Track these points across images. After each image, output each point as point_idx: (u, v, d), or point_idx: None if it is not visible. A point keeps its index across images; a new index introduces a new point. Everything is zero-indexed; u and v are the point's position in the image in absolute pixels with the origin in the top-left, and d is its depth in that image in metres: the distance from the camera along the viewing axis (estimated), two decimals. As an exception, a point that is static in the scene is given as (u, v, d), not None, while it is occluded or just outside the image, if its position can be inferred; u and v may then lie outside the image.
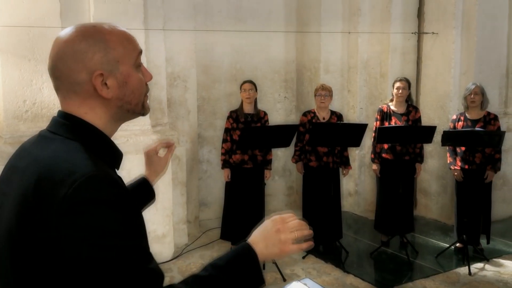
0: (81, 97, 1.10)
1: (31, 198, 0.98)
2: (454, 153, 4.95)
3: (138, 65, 1.16)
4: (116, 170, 1.16)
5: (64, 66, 1.09)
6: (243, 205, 4.81)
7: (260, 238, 1.13)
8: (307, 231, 1.16)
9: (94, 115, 1.11)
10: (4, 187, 1.11)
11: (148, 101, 1.23)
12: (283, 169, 6.75)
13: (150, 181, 1.62)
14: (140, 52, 1.17)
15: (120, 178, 1.10)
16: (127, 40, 1.13)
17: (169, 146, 1.68)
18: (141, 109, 1.18)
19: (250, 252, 1.11)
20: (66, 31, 1.12)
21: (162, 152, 1.68)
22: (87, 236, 0.92)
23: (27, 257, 0.99)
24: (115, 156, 1.16)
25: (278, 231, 1.13)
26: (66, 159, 1.00)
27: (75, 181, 0.94)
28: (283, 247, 1.12)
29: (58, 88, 1.13)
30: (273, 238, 1.12)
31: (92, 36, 1.09)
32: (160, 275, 1.01)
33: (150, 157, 1.65)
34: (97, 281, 0.93)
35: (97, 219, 0.93)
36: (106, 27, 1.12)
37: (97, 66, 1.08)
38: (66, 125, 1.09)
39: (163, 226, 4.61)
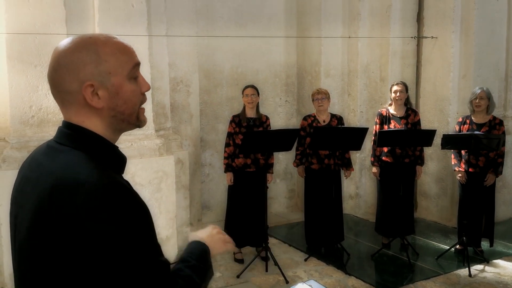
0: (75, 106, 1.14)
1: (46, 209, 1.04)
2: (458, 156, 5.01)
3: (133, 77, 1.17)
4: (121, 174, 1.22)
5: (58, 76, 1.14)
6: (245, 208, 4.87)
7: (208, 239, 1.36)
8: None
9: (90, 123, 1.15)
10: (18, 198, 1.18)
11: (144, 113, 1.24)
12: (284, 172, 6.81)
13: None
14: (136, 64, 1.18)
15: (127, 181, 1.17)
16: (121, 52, 1.15)
17: None
18: (135, 120, 1.21)
19: (207, 250, 1.32)
20: (64, 42, 1.16)
21: None
22: (107, 242, 1.00)
23: (48, 267, 1.05)
24: (119, 161, 1.21)
25: (219, 233, 1.41)
26: (76, 170, 1.06)
27: (87, 191, 1.01)
28: (224, 245, 1.41)
29: (55, 96, 1.18)
30: (217, 238, 1.39)
31: (85, 47, 1.12)
32: (167, 264, 1.12)
33: None
34: (122, 278, 1.01)
35: (112, 225, 1.00)
36: (101, 39, 1.15)
37: (87, 77, 1.11)
38: (71, 135, 1.14)
39: (166, 229, 4.66)
